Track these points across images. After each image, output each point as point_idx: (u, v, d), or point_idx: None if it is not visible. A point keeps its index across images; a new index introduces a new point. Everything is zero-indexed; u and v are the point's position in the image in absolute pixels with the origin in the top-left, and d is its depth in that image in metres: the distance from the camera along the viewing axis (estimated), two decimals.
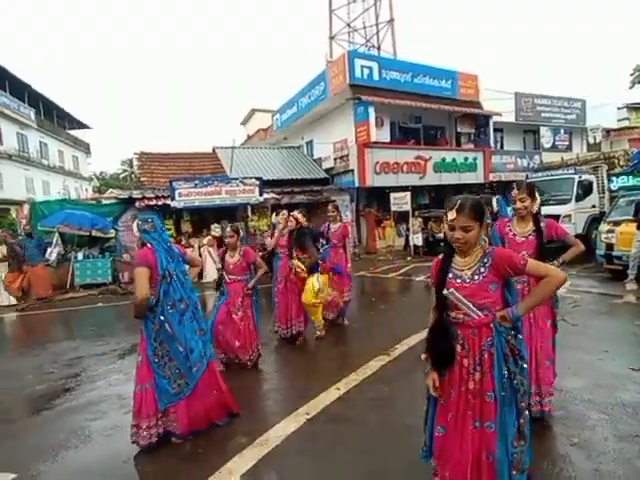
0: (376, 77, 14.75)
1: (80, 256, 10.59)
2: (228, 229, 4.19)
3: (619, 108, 22.86)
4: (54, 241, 10.21)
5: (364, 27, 19.70)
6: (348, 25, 19.96)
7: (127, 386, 3.92)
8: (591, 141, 20.72)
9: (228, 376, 3.90)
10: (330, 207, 5.79)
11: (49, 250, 10.05)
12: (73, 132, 31.13)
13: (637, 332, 4.56)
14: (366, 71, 14.55)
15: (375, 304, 7.03)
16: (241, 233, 4.29)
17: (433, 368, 1.90)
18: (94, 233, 10.63)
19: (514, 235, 2.96)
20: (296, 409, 3.17)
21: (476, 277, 1.81)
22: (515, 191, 2.96)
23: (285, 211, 5.28)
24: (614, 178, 10.71)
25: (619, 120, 22.84)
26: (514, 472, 1.76)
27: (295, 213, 4.93)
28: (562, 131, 19.70)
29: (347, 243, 5.69)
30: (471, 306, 1.80)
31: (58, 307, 8.55)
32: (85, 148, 33.06)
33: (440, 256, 1.97)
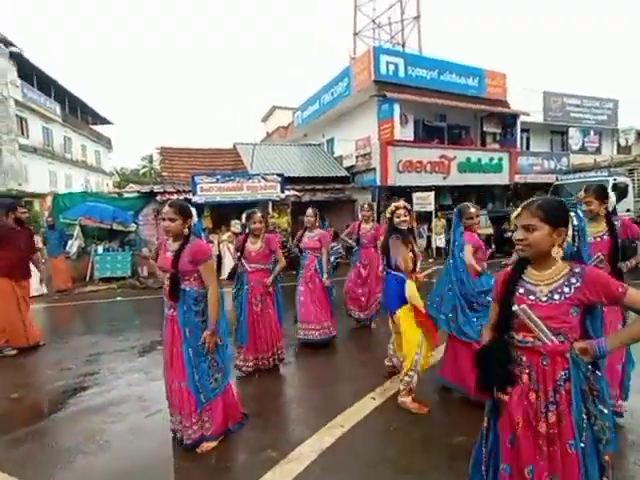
0: (401, 74, 14.39)
1: (100, 249, 10.53)
2: (258, 214, 3.95)
3: None
4: (75, 233, 10.19)
5: (389, 23, 19.34)
6: (373, 21, 19.63)
7: (148, 386, 3.76)
8: (622, 143, 19.95)
9: (249, 381, 3.72)
10: (366, 206, 5.61)
11: (70, 242, 10.03)
12: (96, 127, 31.52)
13: None
14: (392, 67, 14.20)
15: None
16: (266, 223, 4.09)
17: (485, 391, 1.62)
18: (115, 226, 10.57)
19: None
20: (330, 420, 2.91)
21: (556, 296, 1.50)
22: (582, 193, 2.98)
23: (310, 209, 4.84)
24: None
25: None
26: None
27: (404, 203, 3.43)
28: (592, 132, 18.99)
29: (378, 244, 5.44)
30: (545, 329, 1.49)
31: (77, 300, 8.47)
32: (107, 143, 33.43)
33: (509, 267, 1.67)
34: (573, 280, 1.49)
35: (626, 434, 2.69)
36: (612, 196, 2.95)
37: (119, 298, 8.57)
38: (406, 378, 3.10)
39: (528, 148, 18.00)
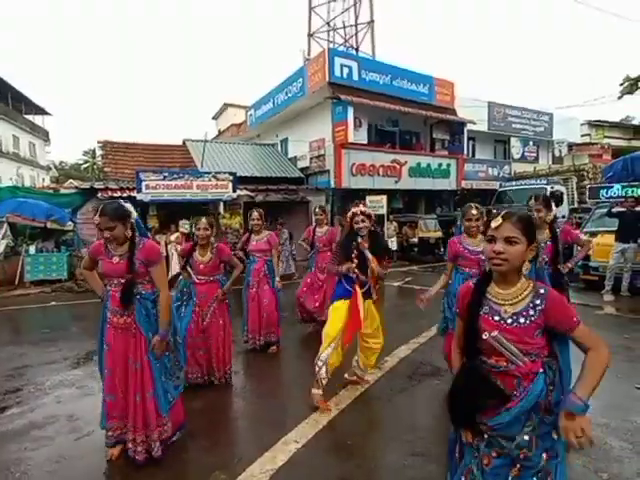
0: (355, 77, 14.50)
1: (32, 249, 9.66)
2: (203, 220, 3.63)
3: (582, 124, 23.88)
4: (2, 232, 9.29)
5: (344, 26, 19.43)
6: (327, 24, 19.63)
7: (80, 403, 3.39)
8: (557, 154, 21.43)
9: (195, 395, 3.42)
10: (317, 210, 5.41)
11: None
12: (31, 117, 29.15)
13: (630, 345, 4.44)
14: (346, 70, 14.26)
15: None
16: (214, 229, 3.78)
17: (467, 429, 1.51)
18: (49, 225, 9.73)
19: None
20: (283, 436, 2.72)
21: (522, 320, 1.41)
22: (532, 202, 3.24)
23: (256, 212, 4.64)
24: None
25: (582, 135, 23.85)
26: None
27: (364, 209, 3.31)
28: (531, 143, 20.24)
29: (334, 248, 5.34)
30: (517, 352, 1.41)
31: (3, 305, 7.65)
32: (44, 135, 31.02)
33: (470, 282, 1.58)
34: (537, 302, 1.42)
35: None
36: (554, 208, 3.28)
37: (53, 303, 7.89)
38: (315, 367, 3.17)
39: (474, 155, 18.82)
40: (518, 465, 1.41)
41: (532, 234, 1.45)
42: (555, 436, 1.42)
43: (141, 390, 2.44)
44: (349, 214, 3.32)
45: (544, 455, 1.40)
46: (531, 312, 1.41)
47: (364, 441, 2.74)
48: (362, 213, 3.22)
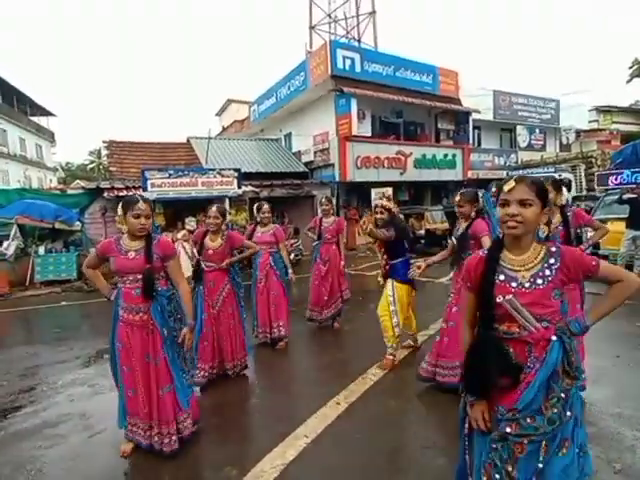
0: (358, 69, 14.38)
1: (41, 250, 9.74)
2: (214, 208, 3.64)
3: (589, 110, 23.49)
4: (12, 234, 9.35)
5: (345, 18, 19.26)
6: (329, 16, 19.47)
7: (93, 401, 3.43)
8: (564, 141, 21.13)
9: (205, 390, 3.47)
10: (324, 200, 5.36)
11: (5, 243, 9.21)
12: (36, 119, 29.30)
13: None
14: (348, 62, 14.15)
15: (364, 303, 6.64)
16: (227, 217, 3.76)
17: (480, 400, 1.51)
18: (57, 225, 9.80)
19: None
20: (293, 430, 2.73)
21: (539, 281, 1.42)
22: None
23: (266, 205, 4.69)
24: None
25: (590, 122, 23.46)
26: None
27: (384, 202, 3.90)
28: (537, 130, 19.97)
29: (340, 239, 5.31)
30: (530, 317, 1.42)
31: (15, 306, 7.75)
32: (49, 137, 31.17)
33: (482, 252, 1.57)
34: (552, 261, 1.44)
35: (589, 426, 2.69)
36: (565, 191, 3.25)
37: (64, 303, 7.95)
38: None
39: (479, 145, 18.62)
40: (544, 441, 1.40)
41: (545, 197, 1.45)
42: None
43: (162, 385, 2.48)
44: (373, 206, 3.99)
45: (572, 422, 1.43)
46: (547, 272, 1.43)
47: (373, 435, 2.74)
48: (382, 205, 3.83)
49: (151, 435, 2.51)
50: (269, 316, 4.57)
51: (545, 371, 1.40)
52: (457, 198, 3.32)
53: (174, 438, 2.51)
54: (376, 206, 3.89)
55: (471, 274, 1.56)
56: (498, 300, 1.45)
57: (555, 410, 1.39)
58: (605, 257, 7.43)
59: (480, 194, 3.38)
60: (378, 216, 3.84)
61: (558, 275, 1.42)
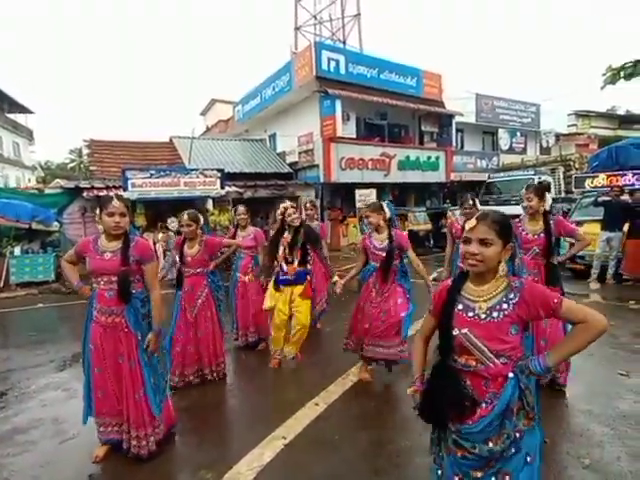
0: (343, 70, 14.44)
1: (17, 251, 9.49)
2: (185, 217, 3.58)
3: (569, 114, 24.05)
4: None
5: (330, 20, 19.31)
6: (314, 17, 19.49)
7: (66, 406, 3.35)
8: (544, 145, 21.58)
9: (183, 393, 3.41)
10: (308, 204, 5.34)
11: None
12: (13, 116, 28.58)
13: (614, 333, 4.49)
14: (333, 64, 14.19)
15: (346, 304, 6.64)
16: (201, 221, 3.68)
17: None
18: (34, 226, 9.57)
19: (525, 233, 3.16)
20: (271, 432, 2.71)
21: (495, 314, 1.41)
22: (523, 191, 3.27)
23: (242, 207, 4.68)
24: None
25: (569, 126, 24.02)
26: None
27: (288, 204, 3.91)
28: (518, 134, 20.35)
29: (324, 245, 5.30)
30: (488, 352, 1.40)
31: None
32: (27, 134, 30.47)
33: (448, 281, 1.59)
34: (511, 296, 1.42)
35: (560, 422, 2.77)
36: (549, 197, 3.21)
37: (40, 305, 7.75)
38: None
39: (462, 147, 18.88)
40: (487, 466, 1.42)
41: (507, 235, 1.45)
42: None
43: (138, 388, 2.44)
44: (279, 210, 3.85)
45: (527, 459, 1.41)
46: (504, 306, 1.41)
47: (352, 436, 2.74)
48: (292, 207, 3.81)
49: (124, 431, 2.48)
50: (249, 320, 4.54)
51: (498, 408, 1.39)
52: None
53: (152, 439, 2.47)
54: (285, 208, 3.79)
55: (435, 300, 1.58)
56: (454, 332, 1.45)
57: (502, 445, 1.39)
58: (582, 258, 7.62)
59: (384, 204, 3.54)
60: (292, 217, 3.75)
61: (515, 310, 1.40)
